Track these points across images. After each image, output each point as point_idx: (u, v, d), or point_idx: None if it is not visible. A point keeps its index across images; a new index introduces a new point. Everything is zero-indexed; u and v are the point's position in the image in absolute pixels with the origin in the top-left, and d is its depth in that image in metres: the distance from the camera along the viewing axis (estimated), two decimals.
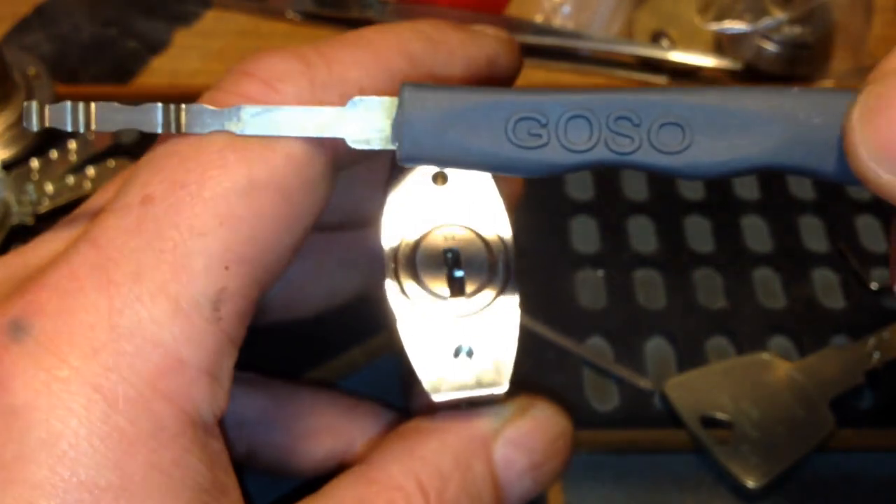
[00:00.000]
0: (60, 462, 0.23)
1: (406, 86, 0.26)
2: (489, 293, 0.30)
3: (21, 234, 0.50)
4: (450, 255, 0.30)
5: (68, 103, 0.26)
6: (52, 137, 0.53)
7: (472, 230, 0.30)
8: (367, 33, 0.29)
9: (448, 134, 0.25)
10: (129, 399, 0.24)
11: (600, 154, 0.25)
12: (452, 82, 0.30)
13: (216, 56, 0.61)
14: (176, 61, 0.62)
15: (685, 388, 0.46)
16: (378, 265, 0.37)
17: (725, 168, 0.25)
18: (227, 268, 0.25)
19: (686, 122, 0.25)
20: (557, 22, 0.63)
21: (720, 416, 0.45)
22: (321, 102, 0.27)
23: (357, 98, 0.26)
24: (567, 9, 0.63)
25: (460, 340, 0.30)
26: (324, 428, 0.35)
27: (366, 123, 0.26)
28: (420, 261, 0.30)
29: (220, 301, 0.25)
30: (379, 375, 0.45)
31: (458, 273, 0.30)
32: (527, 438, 0.31)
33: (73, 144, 0.52)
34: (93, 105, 0.26)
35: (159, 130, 0.26)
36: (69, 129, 0.26)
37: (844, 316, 0.49)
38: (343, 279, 0.37)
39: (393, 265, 0.30)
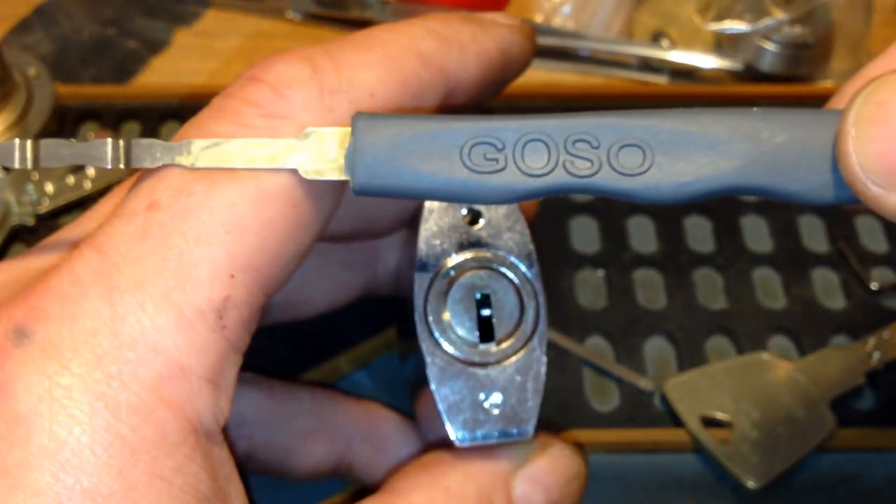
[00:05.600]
0: (63, 469, 0.23)
1: (358, 115, 0.25)
2: (518, 341, 0.30)
3: (21, 234, 0.50)
4: (480, 298, 0.30)
5: (16, 141, 0.26)
6: (51, 137, 0.53)
7: (503, 274, 0.30)
8: (376, 33, 0.29)
9: (402, 163, 0.25)
10: (132, 407, 0.24)
11: (559, 178, 0.25)
12: (466, 78, 0.30)
13: (216, 56, 0.61)
14: (176, 61, 0.62)
15: (685, 388, 0.46)
16: (380, 268, 0.37)
17: (689, 189, 0.25)
18: (232, 276, 0.25)
19: (646, 144, 0.25)
20: (557, 22, 0.63)
21: (720, 416, 0.45)
22: (330, 108, 0.26)
23: (310, 129, 0.26)
24: (567, 9, 0.63)
25: (487, 387, 0.30)
26: (323, 428, 0.35)
27: (319, 154, 0.25)
28: (451, 304, 0.30)
29: (225, 309, 0.25)
30: (378, 376, 0.45)
31: (487, 312, 0.30)
32: (545, 477, 0.31)
33: None
34: (41, 142, 0.26)
35: (108, 165, 0.26)
36: (17, 166, 0.26)
37: (844, 316, 0.49)
38: (344, 282, 0.37)
39: (423, 307, 0.30)
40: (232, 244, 0.25)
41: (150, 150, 0.26)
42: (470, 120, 0.25)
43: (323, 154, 0.25)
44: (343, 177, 0.25)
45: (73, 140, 0.26)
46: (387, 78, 0.27)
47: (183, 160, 0.25)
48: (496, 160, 0.25)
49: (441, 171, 0.25)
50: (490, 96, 0.32)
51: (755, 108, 0.25)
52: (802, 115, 0.25)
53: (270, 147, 0.25)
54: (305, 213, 0.26)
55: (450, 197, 0.26)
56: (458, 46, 0.29)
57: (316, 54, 0.27)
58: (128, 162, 0.26)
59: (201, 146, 0.25)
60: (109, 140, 0.26)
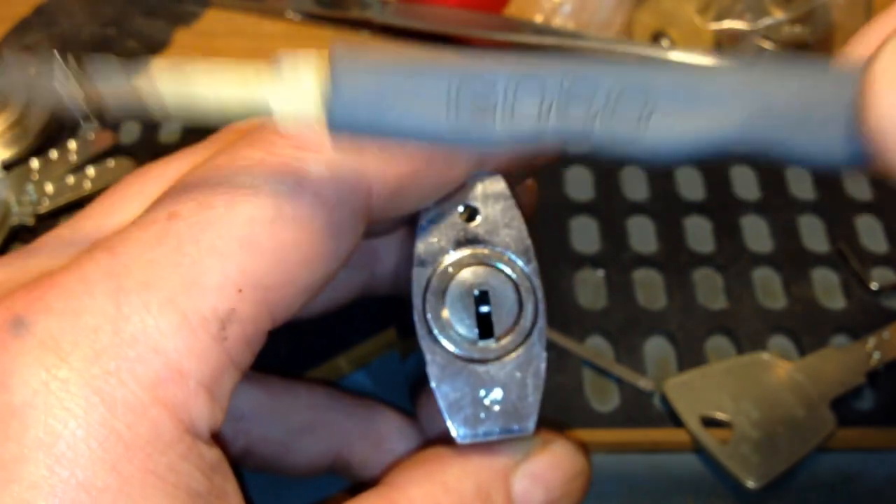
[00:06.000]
0: (58, 462, 0.23)
1: (337, 51, 0.23)
2: (517, 336, 0.30)
3: (21, 234, 0.50)
4: (479, 295, 0.30)
5: None
6: (52, 137, 0.53)
7: (501, 270, 0.30)
8: None
9: (384, 107, 0.23)
10: (128, 404, 0.24)
11: (551, 129, 0.23)
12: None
13: (216, 56, 0.61)
14: (176, 61, 0.61)
15: (685, 388, 0.45)
16: (379, 267, 0.37)
17: (688, 147, 0.23)
18: (240, 291, 0.25)
19: (645, 98, 0.23)
20: (557, 22, 0.63)
21: (720, 416, 0.44)
22: None
23: (284, 64, 0.23)
24: (567, 9, 0.63)
25: (488, 384, 0.30)
26: (320, 424, 0.35)
27: (293, 95, 0.23)
28: (450, 302, 0.30)
29: (228, 321, 0.25)
30: (378, 376, 0.45)
31: (485, 308, 0.30)
32: (546, 474, 0.31)
33: (72, 144, 0.52)
34: None
35: (60, 94, 0.23)
36: None
37: (844, 316, 0.49)
38: (343, 281, 0.37)
39: (422, 306, 0.30)
40: (245, 260, 0.25)
41: (105, 75, 0.23)
42: (459, 60, 0.23)
43: (299, 93, 0.23)
44: (321, 120, 0.23)
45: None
46: None
47: (141, 79, 0.23)
48: (485, 107, 0.23)
49: (426, 116, 0.23)
50: None
51: (762, 61, 0.23)
52: (812, 69, 0.23)
53: (240, 76, 0.23)
54: (319, 243, 0.26)
55: (432, 143, 0.24)
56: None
57: None
58: (83, 85, 0.23)
59: (162, 68, 0.23)
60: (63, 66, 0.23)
